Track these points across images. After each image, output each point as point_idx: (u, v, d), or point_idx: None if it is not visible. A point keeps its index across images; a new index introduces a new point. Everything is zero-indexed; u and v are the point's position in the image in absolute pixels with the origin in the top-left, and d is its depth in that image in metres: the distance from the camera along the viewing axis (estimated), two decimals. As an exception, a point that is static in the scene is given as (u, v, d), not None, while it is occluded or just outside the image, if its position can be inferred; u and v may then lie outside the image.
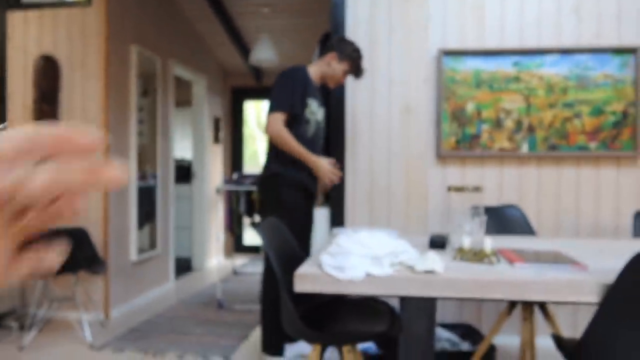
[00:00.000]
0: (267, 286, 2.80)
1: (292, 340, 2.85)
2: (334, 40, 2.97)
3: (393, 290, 1.51)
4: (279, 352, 2.84)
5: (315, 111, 2.91)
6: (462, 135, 3.24)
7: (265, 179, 2.89)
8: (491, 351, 2.84)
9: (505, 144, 3.22)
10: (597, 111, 3.15)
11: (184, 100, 6.37)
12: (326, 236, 3.34)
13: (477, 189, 1.96)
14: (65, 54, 3.91)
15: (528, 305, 2.57)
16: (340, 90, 3.31)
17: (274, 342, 2.83)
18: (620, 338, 1.44)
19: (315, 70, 2.97)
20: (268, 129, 2.78)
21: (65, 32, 3.92)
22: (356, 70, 2.92)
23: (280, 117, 2.76)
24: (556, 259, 1.75)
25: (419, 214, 3.29)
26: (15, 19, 3.98)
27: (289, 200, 2.82)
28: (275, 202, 2.83)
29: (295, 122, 2.79)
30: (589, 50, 3.14)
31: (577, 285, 1.43)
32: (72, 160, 0.32)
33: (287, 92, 2.81)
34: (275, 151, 2.84)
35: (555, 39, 3.19)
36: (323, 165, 2.77)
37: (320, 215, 3.47)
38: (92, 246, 3.68)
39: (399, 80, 3.31)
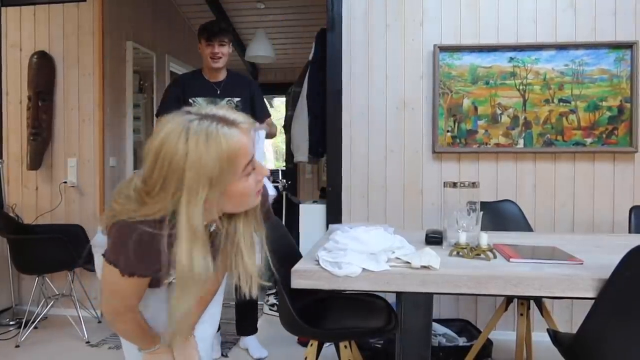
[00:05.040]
0: None
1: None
2: None
3: (389, 286, 1.51)
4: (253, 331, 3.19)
5: (205, 106, 2.96)
6: (458, 131, 3.24)
7: None
8: (487, 346, 2.85)
9: (502, 140, 3.22)
10: (593, 106, 3.15)
11: (180, 96, 6.33)
12: (323, 232, 3.34)
13: (473, 184, 1.96)
14: (60, 50, 3.89)
15: (524, 301, 2.58)
16: (337, 86, 3.31)
17: (247, 325, 3.17)
18: (615, 333, 1.45)
19: (204, 68, 3.08)
20: None
21: (61, 28, 3.90)
22: (206, 35, 2.95)
23: None
24: (552, 254, 1.75)
25: (415, 209, 3.30)
26: (10, 15, 3.95)
27: None
28: None
29: None
30: (585, 46, 3.14)
31: (573, 281, 1.44)
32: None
33: (164, 104, 3.07)
34: None
35: (551, 35, 3.19)
36: None
37: (317, 210, 3.47)
38: (88, 243, 3.66)
39: (395, 76, 3.30)
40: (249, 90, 3.12)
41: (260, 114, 3.13)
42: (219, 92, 3.03)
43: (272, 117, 3.31)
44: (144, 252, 1.19)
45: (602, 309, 1.43)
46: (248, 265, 1.34)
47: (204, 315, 1.57)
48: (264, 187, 1.38)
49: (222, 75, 3.07)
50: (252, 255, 1.35)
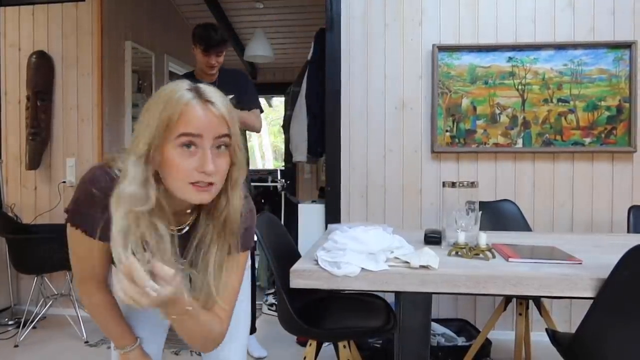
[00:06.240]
0: None
1: None
2: None
3: (388, 286, 1.51)
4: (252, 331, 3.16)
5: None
6: (457, 131, 3.24)
7: None
8: (486, 346, 2.85)
9: (500, 140, 3.22)
10: (592, 106, 3.15)
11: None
12: (321, 232, 3.34)
13: (472, 184, 1.96)
14: (59, 50, 3.89)
15: (523, 300, 2.58)
16: (336, 86, 3.31)
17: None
18: (614, 333, 1.45)
19: (196, 69, 3.07)
20: None
21: (59, 28, 3.89)
22: (203, 43, 2.89)
23: None
24: (551, 254, 1.75)
25: (414, 209, 3.30)
26: (9, 15, 3.95)
27: None
28: None
29: None
30: (583, 46, 3.15)
31: (572, 280, 1.44)
32: None
33: None
34: None
35: (550, 34, 3.19)
36: None
37: (316, 210, 3.47)
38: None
39: (393, 75, 3.30)
40: (239, 84, 3.10)
41: (247, 104, 3.10)
42: None
43: (263, 112, 3.22)
44: (91, 200, 1.19)
45: (601, 309, 1.43)
46: (210, 283, 1.25)
47: None
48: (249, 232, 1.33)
49: (215, 75, 3.06)
50: (219, 273, 1.26)
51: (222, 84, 3.07)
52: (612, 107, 3.14)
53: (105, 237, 1.21)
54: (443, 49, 3.23)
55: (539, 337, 2.72)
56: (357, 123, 3.33)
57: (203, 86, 1.17)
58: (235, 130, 1.17)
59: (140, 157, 1.12)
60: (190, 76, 3.11)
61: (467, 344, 2.92)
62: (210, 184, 1.13)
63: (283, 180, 4.97)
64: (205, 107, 1.12)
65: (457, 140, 3.24)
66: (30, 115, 3.79)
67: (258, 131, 3.20)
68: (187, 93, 1.13)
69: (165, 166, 1.12)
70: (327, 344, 2.77)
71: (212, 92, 1.17)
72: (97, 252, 1.26)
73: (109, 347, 1.62)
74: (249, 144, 10.51)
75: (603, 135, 3.15)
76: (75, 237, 1.24)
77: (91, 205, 1.19)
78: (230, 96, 3.11)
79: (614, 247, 1.97)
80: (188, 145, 1.10)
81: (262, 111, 3.20)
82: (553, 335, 1.76)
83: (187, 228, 1.30)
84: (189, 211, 1.28)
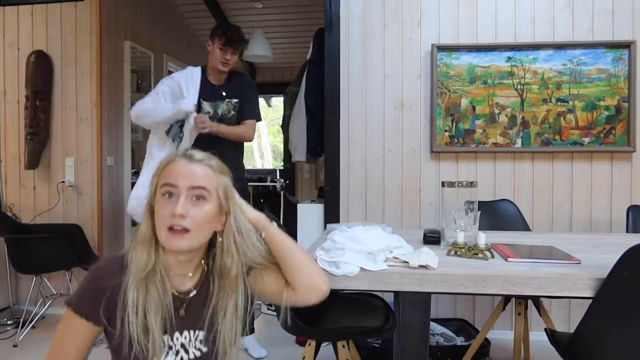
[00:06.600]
0: None
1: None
2: None
3: (387, 286, 1.51)
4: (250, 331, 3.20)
5: (208, 109, 2.98)
6: (456, 131, 3.24)
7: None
8: (485, 346, 2.85)
9: (499, 139, 3.22)
10: (591, 106, 3.15)
11: (178, 96, 6.33)
12: (321, 232, 3.34)
13: (471, 184, 1.96)
14: (58, 49, 3.89)
15: (522, 300, 2.58)
16: (335, 85, 3.31)
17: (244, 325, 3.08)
18: (613, 332, 1.45)
19: (208, 68, 3.05)
20: None
21: (58, 27, 3.89)
22: (224, 39, 2.93)
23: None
24: (550, 253, 1.75)
25: (413, 209, 3.30)
26: (8, 14, 3.95)
27: None
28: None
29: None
30: (582, 45, 3.15)
31: (571, 280, 1.44)
32: None
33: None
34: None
35: (549, 34, 3.19)
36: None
37: (315, 210, 3.47)
38: (86, 242, 3.67)
39: (392, 75, 3.30)
40: (243, 91, 3.11)
41: (246, 113, 3.10)
42: (224, 94, 3.02)
43: (260, 121, 3.22)
44: (94, 285, 1.21)
45: (599, 308, 1.43)
46: (227, 329, 1.30)
47: None
48: None
49: (224, 77, 3.06)
50: (235, 321, 1.30)
51: (233, 88, 3.08)
52: (611, 106, 3.14)
53: (98, 321, 1.22)
54: (442, 48, 3.23)
55: (537, 336, 2.73)
56: (356, 123, 3.33)
57: (195, 150, 1.26)
58: (215, 186, 1.23)
59: (146, 216, 1.23)
60: (204, 74, 3.07)
61: (466, 343, 2.92)
62: (186, 230, 1.17)
63: (282, 180, 4.96)
64: (186, 163, 1.22)
65: (456, 140, 3.24)
66: (29, 115, 3.79)
67: (248, 141, 3.21)
68: (177, 154, 1.24)
69: (156, 218, 1.21)
70: (326, 343, 2.77)
71: (199, 153, 1.26)
72: (79, 340, 1.25)
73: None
74: (247, 144, 10.49)
75: (602, 135, 3.15)
76: (67, 319, 1.23)
77: (94, 289, 1.21)
78: (235, 100, 3.10)
79: (612, 246, 1.97)
80: (169, 195, 1.19)
81: (259, 119, 3.17)
82: (552, 335, 1.76)
83: (194, 292, 1.29)
84: (190, 274, 1.29)
